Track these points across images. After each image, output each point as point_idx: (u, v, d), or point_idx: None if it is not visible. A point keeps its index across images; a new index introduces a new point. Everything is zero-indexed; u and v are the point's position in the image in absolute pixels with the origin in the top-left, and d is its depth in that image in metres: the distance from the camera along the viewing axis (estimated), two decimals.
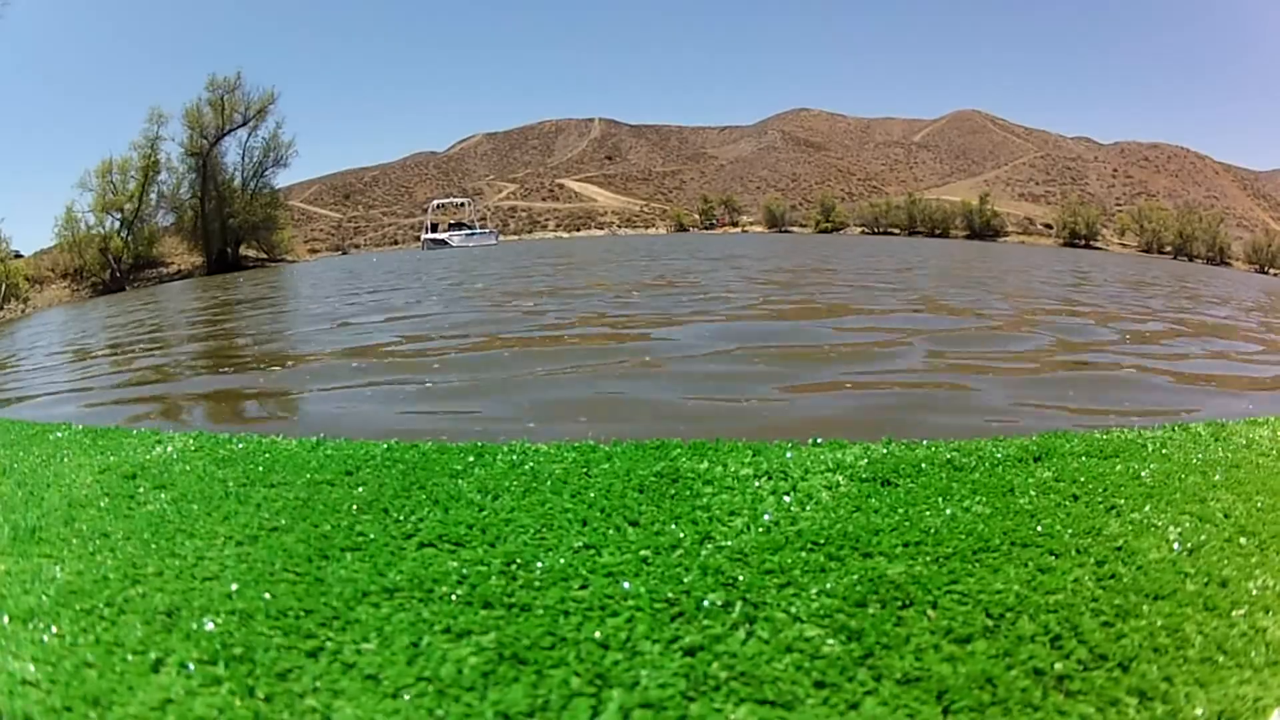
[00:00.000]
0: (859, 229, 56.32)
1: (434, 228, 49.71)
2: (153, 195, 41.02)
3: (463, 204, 58.84)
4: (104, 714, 1.42)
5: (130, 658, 1.61)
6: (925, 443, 3.02)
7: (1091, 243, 54.24)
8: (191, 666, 1.57)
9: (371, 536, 2.19)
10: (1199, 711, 1.37)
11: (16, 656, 1.63)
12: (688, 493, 2.46)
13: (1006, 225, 56.57)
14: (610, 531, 2.17)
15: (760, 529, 2.16)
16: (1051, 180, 76.30)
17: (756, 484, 2.51)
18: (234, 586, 1.91)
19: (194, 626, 1.72)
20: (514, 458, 2.90)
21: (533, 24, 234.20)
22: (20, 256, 41.92)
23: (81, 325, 15.54)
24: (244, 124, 43.40)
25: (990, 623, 1.65)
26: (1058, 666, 1.49)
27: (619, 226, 75.37)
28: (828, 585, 1.81)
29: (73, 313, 22.06)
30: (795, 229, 59.28)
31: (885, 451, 2.88)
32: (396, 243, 73.07)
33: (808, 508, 2.31)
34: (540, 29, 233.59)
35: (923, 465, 2.69)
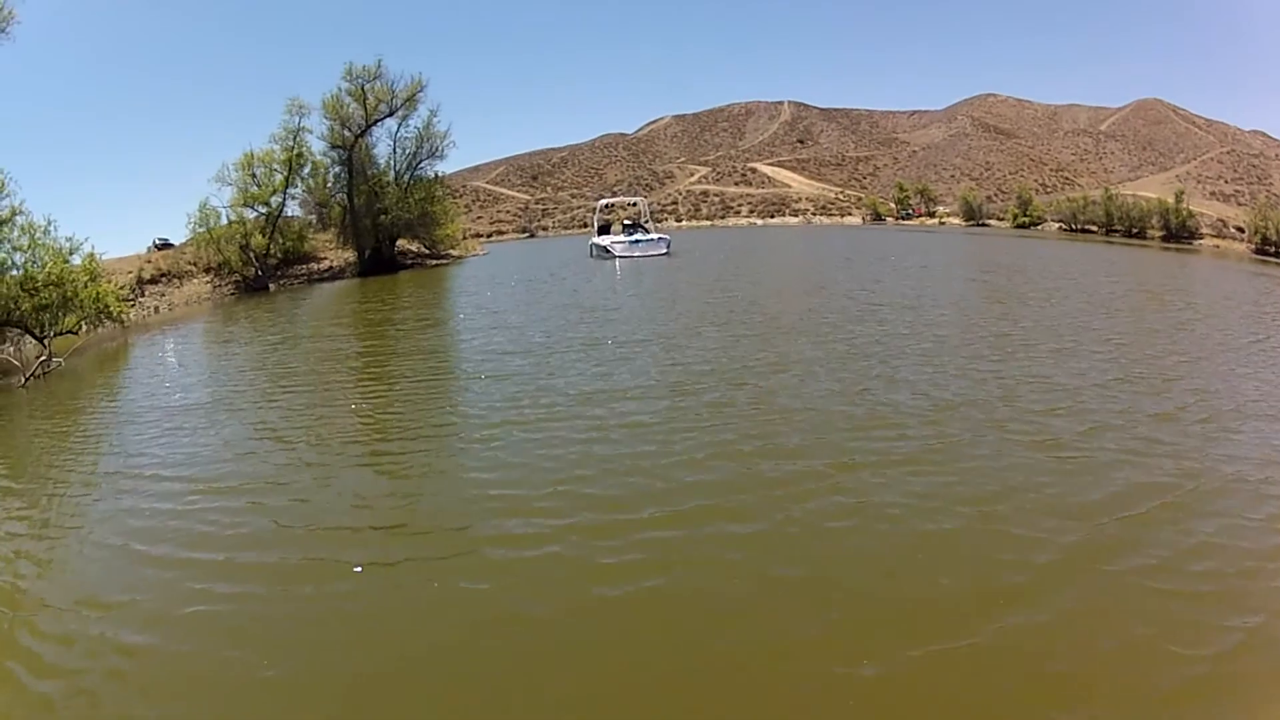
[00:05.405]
0: (1056, 224, 60.31)
1: (604, 229, 42.37)
2: (297, 189, 39.01)
3: (635, 203, 51.87)
4: None
5: None
6: None
7: None
8: None
9: None
10: None
11: None
12: None
13: (1201, 227, 57.84)
14: None
15: None
16: (1239, 178, 72.53)
17: None
18: None
19: None
20: None
21: (722, 9, 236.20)
22: (170, 245, 39.38)
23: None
24: (390, 114, 40.15)
25: None
26: None
27: (814, 214, 77.06)
28: None
29: (188, 341, 20.19)
30: (993, 222, 63.07)
31: None
32: (585, 225, 71.22)
33: None
34: (730, 14, 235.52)
35: None
